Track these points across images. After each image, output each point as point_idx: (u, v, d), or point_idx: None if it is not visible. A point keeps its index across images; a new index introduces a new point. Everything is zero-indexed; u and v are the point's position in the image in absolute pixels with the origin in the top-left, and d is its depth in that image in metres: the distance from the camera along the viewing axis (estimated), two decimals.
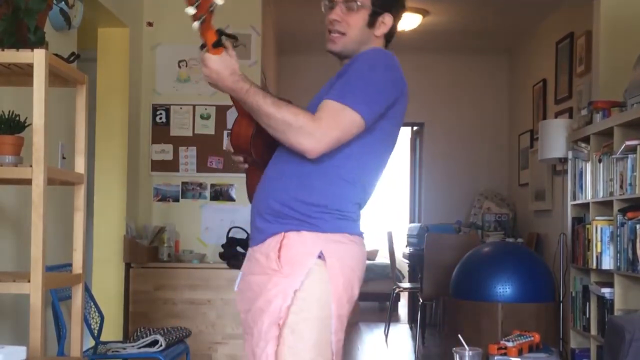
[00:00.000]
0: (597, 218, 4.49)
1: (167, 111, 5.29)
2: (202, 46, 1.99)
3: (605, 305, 4.35)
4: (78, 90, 2.68)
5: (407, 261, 7.82)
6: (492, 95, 8.38)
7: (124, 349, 3.63)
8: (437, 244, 6.28)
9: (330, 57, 2.24)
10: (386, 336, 7.07)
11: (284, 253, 2.01)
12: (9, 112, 2.48)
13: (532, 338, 3.89)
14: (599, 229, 4.43)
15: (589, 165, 4.70)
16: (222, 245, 4.84)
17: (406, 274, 8.75)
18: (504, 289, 4.54)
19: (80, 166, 2.68)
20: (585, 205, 4.74)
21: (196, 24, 1.90)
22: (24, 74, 2.45)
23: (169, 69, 5.29)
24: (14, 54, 2.31)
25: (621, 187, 4.15)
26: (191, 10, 1.88)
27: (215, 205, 5.28)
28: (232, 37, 2.02)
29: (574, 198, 4.96)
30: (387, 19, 2.16)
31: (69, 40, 3.75)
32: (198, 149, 5.25)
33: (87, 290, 3.81)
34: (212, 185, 5.28)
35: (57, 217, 3.37)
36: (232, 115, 5.02)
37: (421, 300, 6.47)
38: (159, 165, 5.27)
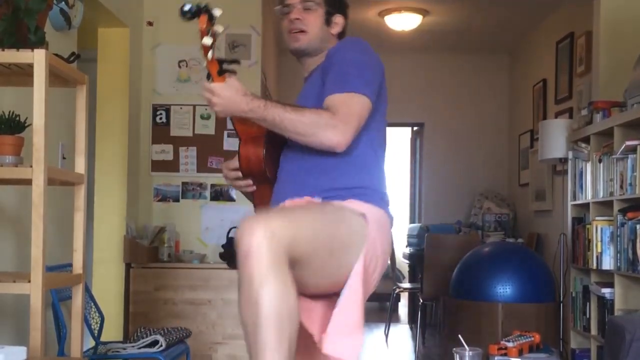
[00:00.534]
0: (597, 218, 4.49)
1: (167, 111, 5.29)
2: (208, 77, 2.00)
3: (605, 305, 4.35)
4: (78, 90, 2.68)
5: (407, 261, 7.81)
6: (492, 95, 8.38)
7: (124, 349, 3.63)
8: (437, 244, 6.27)
9: None
10: (386, 336, 7.07)
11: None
12: (9, 112, 2.48)
13: (533, 338, 3.89)
14: (599, 229, 4.42)
15: (589, 166, 4.70)
16: (223, 246, 4.84)
17: (406, 274, 8.74)
18: (504, 289, 4.54)
19: (80, 166, 2.68)
20: (586, 206, 4.74)
21: (210, 54, 1.93)
22: (24, 74, 2.45)
23: (169, 69, 5.29)
24: (14, 54, 2.31)
25: (621, 187, 4.15)
26: (208, 41, 1.91)
27: (215, 206, 5.28)
28: (234, 62, 2.04)
29: (574, 198, 4.96)
30: (339, 19, 2.30)
31: (69, 40, 3.75)
32: (198, 149, 5.25)
33: (87, 290, 3.81)
34: (213, 186, 5.28)
35: (57, 217, 3.37)
36: None
37: (421, 301, 6.46)
38: (159, 166, 5.27)
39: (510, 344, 3.69)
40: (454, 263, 5.09)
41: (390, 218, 2.17)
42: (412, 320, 7.55)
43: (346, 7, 2.34)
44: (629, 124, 4.16)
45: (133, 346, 3.63)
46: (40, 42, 2.39)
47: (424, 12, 6.78)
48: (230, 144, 5.20)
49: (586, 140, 4.76)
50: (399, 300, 9.14)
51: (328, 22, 2.26)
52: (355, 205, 2.06)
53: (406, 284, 7.62)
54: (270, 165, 2.19)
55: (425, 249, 6.30)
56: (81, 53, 3.12)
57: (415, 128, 8.95)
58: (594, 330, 4.54)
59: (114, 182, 4.82)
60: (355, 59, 2.11)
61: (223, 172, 2.29)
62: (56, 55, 2.46)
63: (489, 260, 4.76)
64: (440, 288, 5.93)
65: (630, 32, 4.92)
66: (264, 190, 2.22)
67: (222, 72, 2.00)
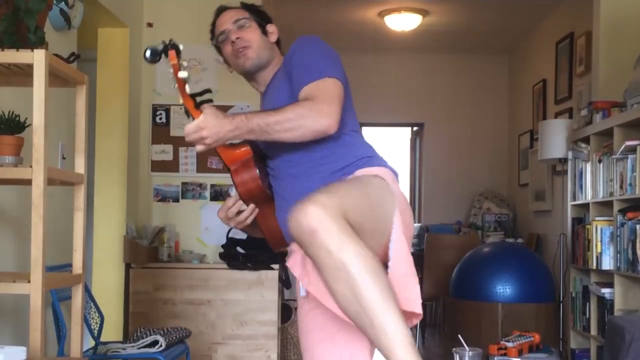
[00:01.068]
0: (597, 218, 4.49)
1: (167, 111, 5.29)
2: (187, 114, 2.02)
3: (605, 305, 4.35)
4: (78, 90, 2.68)
5: None
6: (492, 96, 8.38)
7: (124, 349, 3.63)
8: (437, 244, 6.27)
9: None
10: None
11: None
12: (9, 112, 2.48)
13: (532, 338, 3.90)
14: (599, 229, 4.43)
15: (589, 166, 4.70)
16: (222, 246, 4.84)
17: None
18: (504, 289, 4.55)
19: (80, 166, 2.68)
20: (585, 206, 4.74)
21: (187, 88, 1.96)
22: (24, 74, 2.45)
23: (169, 69, 5.27)
24: (14, 54, 2.31)
25: (621, 187, 4.15)
26: (184, 74, 1.94)
27: (215, 206, 5.27)
28: (206, 92, 2.07)
29: (574, 198, 4.96)
30: (272, 28, 2.40)
31: (69, 41, 3.75)
32: None
33: (87, 290, 3.81)
34: (212, 186, 5.28)
35: (57, 217, 3.37)
36: None
37: (421, 301, 6.46)
38: (159, 166, 5.26)
39: (510, 344, 3.69)
40: (454, 263, 5.10)
41: (396, 174, 2.26)
42: None
43: (270, 19, 2.45)
44: (628, 124, 4.16)
45: (133, 346, 3.63)
46: (40, 42, 2.39)
47: (423, 12, 6.78)
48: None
49: (586, 140, 4.76)
50: None
51: (265, 32, 2.36)
52: (365, 171, 2.12)
53: None
54: (266, 182, 2.23)
55: (425, 249, 6.30)
56: (81, 53, 3.12)
57: (415, 128, 8.95)
58: (593, 331, 4.54)
59: (113, 182, 4.81)
60: (315, 50, 2.18)
61: (222, 218, 2.27)
62: (56, 55, 2.46)
63: (488, 261, 4.77)
64: (440, 288, 5.94)
65: (630, 32, 4.92)
66: (266, 210, 2.24)
67: (198, 106, 2.02)
